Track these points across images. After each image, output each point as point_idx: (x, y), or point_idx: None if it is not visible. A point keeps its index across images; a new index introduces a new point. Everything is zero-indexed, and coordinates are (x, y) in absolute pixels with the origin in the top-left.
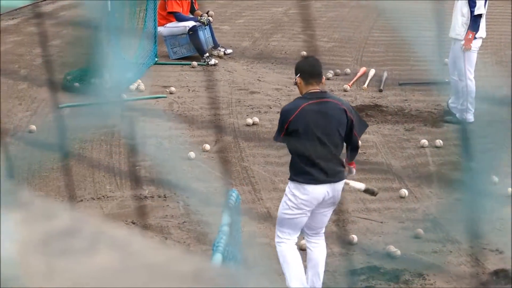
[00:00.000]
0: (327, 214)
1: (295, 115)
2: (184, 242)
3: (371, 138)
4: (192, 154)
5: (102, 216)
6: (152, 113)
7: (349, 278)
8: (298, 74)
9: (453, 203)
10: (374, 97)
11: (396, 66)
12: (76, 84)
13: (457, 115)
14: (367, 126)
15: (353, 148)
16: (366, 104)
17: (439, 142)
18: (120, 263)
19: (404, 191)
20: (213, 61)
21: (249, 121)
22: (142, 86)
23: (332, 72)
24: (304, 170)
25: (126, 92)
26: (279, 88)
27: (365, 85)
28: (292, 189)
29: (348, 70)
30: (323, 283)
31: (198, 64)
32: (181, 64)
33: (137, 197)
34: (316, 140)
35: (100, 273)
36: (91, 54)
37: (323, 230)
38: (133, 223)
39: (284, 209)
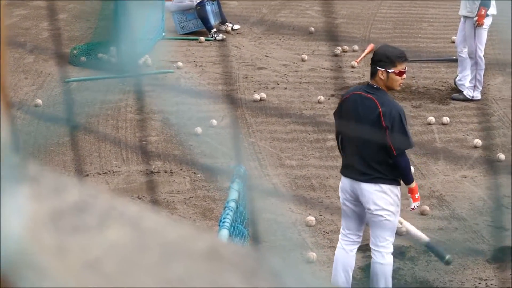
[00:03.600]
0: (372, 219)
1: (342, 101)
2: (190, 217)
3: None
4: (199, 130)
5: (110, 191)
6: (159, 88)
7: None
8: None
9: (459, 181)
10: None
11: (404, 43)
12: (83, 58)
13: (464, 92)
14: (410, 146)
15: (393, 164)
16: None
17: (446, 119)
18: (133, 240)
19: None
20: (220, 36)
21: (257, 97)
22: (149, 61)
23: (339, 48)
24: (342, 159)
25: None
26: (287, 64)
27: None
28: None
29: (356, 47)
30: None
31: (206, 40)
32: (188, 39)
33: (143, 172)
34: (347, 131)
35: (113, 250)
36: (98, 28)
37: (381, 243)
38: (139, 198)
39: None
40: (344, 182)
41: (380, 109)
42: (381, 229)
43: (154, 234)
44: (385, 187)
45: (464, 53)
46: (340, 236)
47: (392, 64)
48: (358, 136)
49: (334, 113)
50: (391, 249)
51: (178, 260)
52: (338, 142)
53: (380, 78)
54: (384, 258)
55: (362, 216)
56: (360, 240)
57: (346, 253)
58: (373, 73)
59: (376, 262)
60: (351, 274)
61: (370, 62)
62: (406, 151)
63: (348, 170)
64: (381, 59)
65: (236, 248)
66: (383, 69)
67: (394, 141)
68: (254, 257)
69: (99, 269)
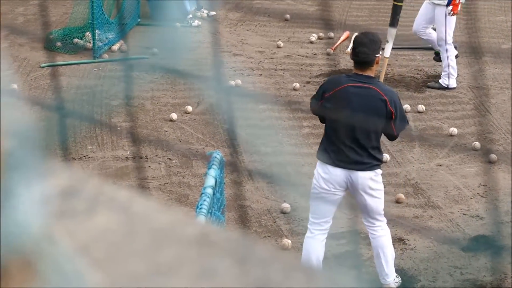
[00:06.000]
0: (368, 202)
1: (334, 92)
2: (165, 204)
3: None
4: (174, 116)
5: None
6: (134, 74)
7: (327, 242)
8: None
9: (435, 169)
10: None
11: (379, 30)
12: (58, 43)
13: (440, 80)
14: (408, 124)
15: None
16: (349, 68)
17: (421, 107)
18: (123, 225)
19: (386, 156)
20: (196, 22)
21: (232, 83)
22: (124, 47)
23: (315, 35)
24: (327, 149)
25: (108, 53)
26: (262, 50)
27: (349, 49)
28: (317, 167)
29: (331, 34)
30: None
31: (181, 26)
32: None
33: (118, 158)
34: (344, 125)
35: (102, 235)
36: (74, 13)
37: (380, 219)
38: (115, 185)
39: (311, 189)
40: (333, 172)
41: (386, 97)
42: (376, 207)
43: (143, 219)
44: (378, 171)
45: (425, 34)
46: (310, 226)
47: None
48: (357, 126)
49: (320, 105)
50: (385, 219)
51: (168, 246)
52: (327, 132)
53: (376, 65)
54: (385, 230)
55: (338, 203)
56: (329, 228)
57: (318, 242)
58: (371, 62)
59: (380, 236)
60: (321, 263)
61: (356, 53)
62: None
63: (340, 160)
64: (379, 45)
65: (227, 234)
66: (379, 55)
67: (396, 125)
68: (245, 244)
69: (89, 254)
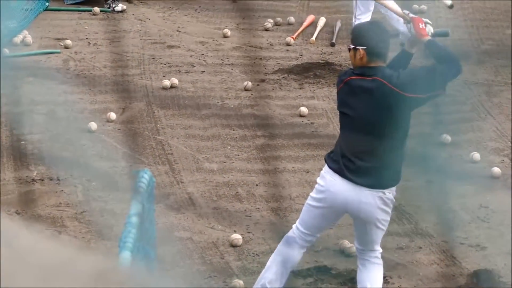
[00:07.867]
0: (367, 231)
1: (339, 89)
2: (83, 237)
3: (320, 104)
4: (93, 125)
5: None
6: (42, 73)
7: (291, 282)
8: (365, 47)
9: (424, 187)
10: (325, 53)
11: (351, 14)
12: None
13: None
14: (435, 74)
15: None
16: (314, 61)
17: None
18: (5, 262)
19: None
20: (120, 6)
21: (166, 83)
22: (29, 39)
23: (271, 21)
24: (334, 154)
25: (8, 46)
26: (205, 41)
27: (313, 38)
28: (322, 172)
29: (292, 19)
30: None
31: (101, 11)
32: (78, 11)
33: (22, 180)
34: (351, 125)
35: None
36: None
37: (376, 248)
38: (18, 214)
39: (313, 191)
40: (332, 186)
41: (385, 81)
42: (377, 237)
43: (30, 255)
44: (389, 194)
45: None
46: (295, 227)
47: None
48: (370, 128)
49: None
50: (381, 249)
51: (59, 286)
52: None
53: None
54: (379, 259)
55: (335, 222)
56: (313, 242)
57: (297, 247)
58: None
59: (372, 264)
60: (289, 272)
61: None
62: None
63: (344, 170)
64: None
65: (130, 273)
66: None
67: (415, 92)
68: (150, 283)
69: None
